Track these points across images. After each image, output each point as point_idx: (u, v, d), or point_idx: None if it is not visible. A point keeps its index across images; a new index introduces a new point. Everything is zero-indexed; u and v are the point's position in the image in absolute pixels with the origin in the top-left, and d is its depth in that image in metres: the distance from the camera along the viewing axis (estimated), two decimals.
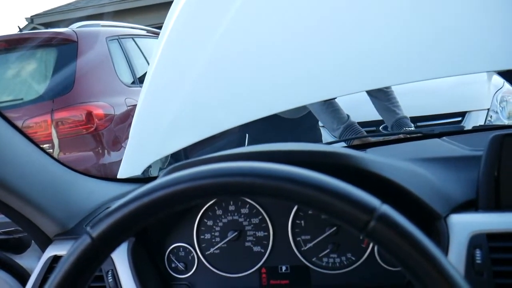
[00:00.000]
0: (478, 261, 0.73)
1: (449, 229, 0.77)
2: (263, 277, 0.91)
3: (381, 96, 1.99)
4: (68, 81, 3.14)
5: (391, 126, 1.96)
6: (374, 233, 0.47)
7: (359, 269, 0.87)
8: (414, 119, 2.02)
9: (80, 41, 3.30)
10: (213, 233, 0.93)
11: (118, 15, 9.02)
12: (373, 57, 1.28)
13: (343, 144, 1.73)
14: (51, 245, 0.94)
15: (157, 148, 1.40)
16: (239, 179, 0.49)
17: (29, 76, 3.31)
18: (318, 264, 0.88)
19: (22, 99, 3.21)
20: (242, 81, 1.36)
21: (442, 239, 0.76)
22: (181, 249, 0.94)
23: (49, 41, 3.31)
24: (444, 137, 1.11)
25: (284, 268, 0.90)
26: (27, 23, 10.49)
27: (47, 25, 9.89)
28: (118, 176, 1.36)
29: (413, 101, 2.50)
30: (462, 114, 2.70)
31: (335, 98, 1.89)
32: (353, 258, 0.87)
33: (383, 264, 0.86)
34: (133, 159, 1.42)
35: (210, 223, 0.93)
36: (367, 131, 2.26)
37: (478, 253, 0.73)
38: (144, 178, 1.28)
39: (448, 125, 2.66)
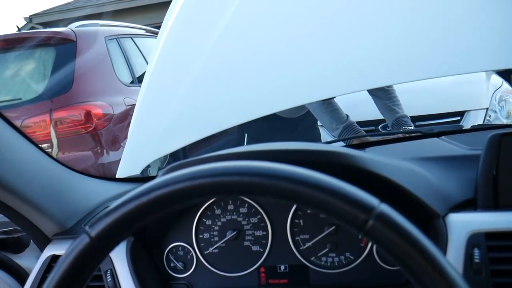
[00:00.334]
0: (477, 260, 0.73)
1: (448, 228, 0.77)
2: (261, 277, 0.91)
3: (382, 95, 1.99)
4: (66, 81, 3.14)
5: (391, 124, 1.96)
6: (372, 232, 0.47)
7: (357, 268, 0.87)
8: (413, 119, 2.02)
9: (78, 40, 3.30)
10: (212, 233, 0.93)
11: (117, 14, 9.01)
12: (373, 56, 1.28)
13: (342, 143, 1.73)
14: (50, 245, 0.94)
15: (156, 148, 1.41)
16: (238, 178, 0.49)
17: (27, 75, 3.31)
18: (316, 263, 0.88)
19: (20, 98, 3.21)
20: (241, 80, 1.36)
21: (440, 238, 0.76)
22: (179, 248, 0.94)
23: (48, 40, 3.31)
24: (442, 137, 1.12)
25: (282, 267, 0.90)
26: (25, 22, 10.47)
27: (45, 24, 9.88)
28: (117, 176, 1.36)
29: (412, 101, 2.50)
30: (461, 114, 2.70)
31: (334, 97, 1.89)
32: (352, 257, 0.87)
33: (381, 263, 0.86)
34: (132, 159, 1.42)
35: (209, 222, 0.93)
36: (366, 131, 2.27)
37: (476, 252, 0.73)
38: (142, 178, 1.28)
39: (447, 124, 2.67)
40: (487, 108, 2.73)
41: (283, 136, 2.27)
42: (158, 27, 1.75)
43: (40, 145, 0.95)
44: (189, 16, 1.52)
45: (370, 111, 2.21)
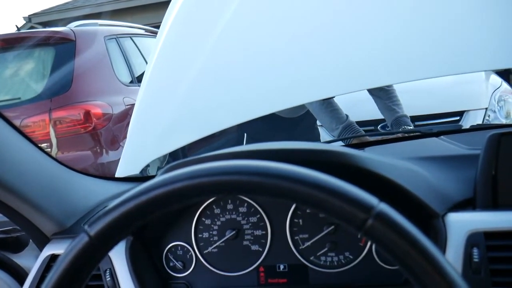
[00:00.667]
0: (476, 260, 0.73)
1: (447, 228, 0.77)
2: (261, 276, 0.91)
3: (382, 95, 1.99)
4: (66, 80, 3.14)
5: (390, 124, 1.96)
6: (371, 231, 0.47)
7: (357, 267, 0.87)
8: (413, 119, 2.02)
9: (78, 40, 3.30)
10: (211, 232, 0.93)
11: (116, 14, 9.01)
12: (372, 56, 1.28)
13: (341, 143, 1.73)
14: (49, 244, 0.94)
15: (155, 147, 1.40)
16: (237, 177, 0.49)
17: (27, 75, 3.30)
18: (316, 263, 0.88)
19: (20, 98, 3.21)
20: (240, 80, 1.36)
21: (439, 238, 0.77)
22: (179, 248, 0.94)
23: (47, 40, 3.30)
24: (442, 136, 1.12)
25: (282, 266, 0.90)
26: (25, 22, 10.47)
27: (45, 24, 9.87)
28: (116, 175, 1.36)
29: (412, 101, 2.50)
30: (460, 114, 2.71)
31: (334, 97, 1.89)
32: (351, 257, 0.87)
33: (380, 263, 0.86)
34: (131, 158, 1.42)
35: (208, 222, 0.93)
36: (365, 130, 2.27)
37: (475, 251, 0.73)
38: (142, 177, 1.28)
39: (446, 124, 2.67)
40: (486, 108, 2.73)
41: (282, 135, 2.27)
42: (158, 27, 1.75)
43: (39, 145, 0.95)
44: (188, 16, 1.52)
45: (370, 111, 2.21)
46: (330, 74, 1.28)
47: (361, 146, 1.15)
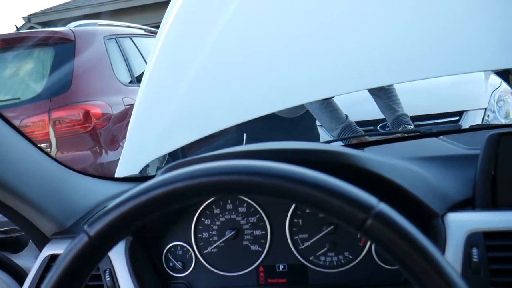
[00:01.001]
0: (475, 260, 0.73)
1: (446, 228, 0.77)
2: (260, 276, 0.91)
3: (382, 94, 1.99)
4: (65, 80, 3.14)
5: (390, 123, 1.96)
6: (371, 231, 0.47)
7: (356, 267, 0.87)
8: (412, 119, 2.02)
9: (77, 40, 3.30)
10: (210, 232, 0.93)
11: (115, 14, 9.00)
12: (372, 56, 1.28)
13: (341, 143, 1.73)
14: (48, 244, 0.94)
15: (155, 147, 1.40)
16: (236, 177, 0.49)
17: (26, 75, 3.30)
18: (315, 263, 0.89)
19: (19, 98, 3.21)
20: (240, 79, 1.36)
21: (439, 238, 0.77)
22: (178, 248, 0.94)
23: (47, 40, 3.30)
24: (441, 136, 1.12)
25: (281, 266, 0.90)
26: (24, 22, 10.46)
27: (44, 24, 9.86)
28: (116, 175, 1.36)
29: (411, 101, 2.49)
30: (460, 114, 2.71)
31: (333, 97, 1.89)
32: (351, 257, 0.87)
33: (380, 263, 0.86)
34: (130, 158, 1.42)
35: (207, 222, 0.93)
36: (365, 130, 2.27)
37: (475, 251, 0.73)
38: (141, 177, 1.28)
39: (445, 124, 2.67)
40: (485, 108, 2.73)
41: (282, 135, 2.27)
42: (157, 27, 1.75)
43: (39, 145, 0.95)
44: (188, 16, 1.52)
45: (369, 111, 2.22)
46: (330, 74, 1.29)
47: (360, 146, 1.15)
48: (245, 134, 2.46)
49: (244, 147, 0.83)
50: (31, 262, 0.97)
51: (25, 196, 0.87)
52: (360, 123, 2.01)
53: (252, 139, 2.40)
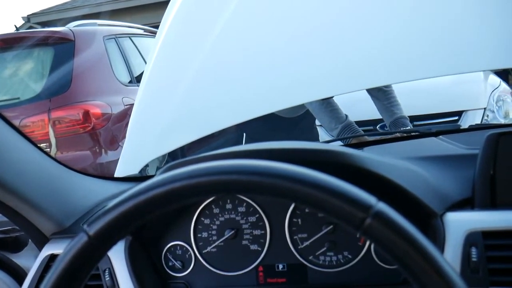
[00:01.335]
0: (474, 259, 0.73)
1: (445, 227, 0.77)
2: (260, 275, 0.91)
3: (380, 96, 1.99)
4: (65, 80, 3.14)
5: (388, 125, 1.97)
6: (370, 231, 0.47)
7: (355, 267, 0.87)
8: (411, 118, 2.02)
9: (77, 40, 3.30)
10: (210, 232, 0.93)
11: (115, 14, 9.00)
12: (371, 55, 1.28)
13: (340, 143, 1.73)
14: (48, 244, 0.94)
15: (155, 147, 1.40)
16: (236, 177, 0.49)
17: (26, 75, 3.30)
18: (315, 262, 0.89)
19: (19, 98, 3.20)
20: (240, 79, 1.36)
21: (438, 237, 0.77)
22: (178, 247, 0.94)
23: (46, 40, 3.30)
24: (440, 136, 1.12)
25: (281, 266, 0.90)
26: (23, 22, 10.46)
27: (44, 24, 9.86)
28: (115, 175, 1.36)
29: (410, 101, 2.50)
30: (459, 113, 2.71)
31: (333, 96, 1.89)
32: (350, 256, 0.87)
33: (379, 262, 0.86)
34: (130, 158, 1.42)
35: (207, 221, 0.93)
36: (364, 130, 2.27)
37: (473, 251, 0.74)
38: (141, 177, 1.28)
39: (444, 124, 2.67)
40: (485, 108, 2.73)
41: (281, 135, 2.27)
42: (157, 27, 1.75)
43: (39, 145, 0.95)
44: (187, 16, 1.52)
45: (369, 110, 2.21)
46: (329, 74, 1.29)
47: (360, 146, 1.15)
48: (244, 134, 2.46)
49: (243, 147, 0.84)
50: (30, 262, 0.97)
51: (25, 196, 0.87)
52: (360, 123, 2.02)
53: (251, 139, 2.40)
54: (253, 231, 0.91)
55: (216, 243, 0.92)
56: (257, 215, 0.91)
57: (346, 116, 1.87)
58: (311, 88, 1.30)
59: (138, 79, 3.67)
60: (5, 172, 0.84)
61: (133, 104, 1.59)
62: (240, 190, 0.50)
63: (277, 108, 1.69)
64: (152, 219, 0.90)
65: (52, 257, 0.92)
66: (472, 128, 1.52)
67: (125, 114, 3.30)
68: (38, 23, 10.19)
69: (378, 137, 1.66)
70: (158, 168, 2.80)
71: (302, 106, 2.13)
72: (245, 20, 1.42)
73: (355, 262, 0.87)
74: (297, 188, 0.48)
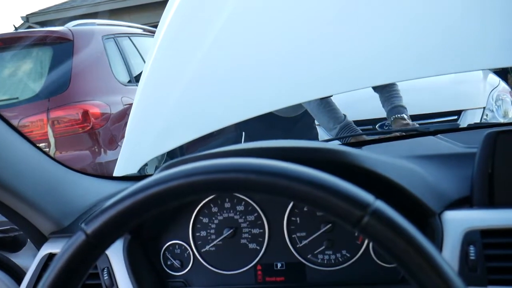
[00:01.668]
0: (472, 257, 0.73)
1: (443, 226, 0.77)
2: (258, 274, 0.91)
3: (383, 88, 1.99)
4: (64, 80, 3.13)
5: (387, 114, 1.96)
6: (367, 229, 0.47)
7: (354, 265, 0.87)
8: (411, 118, 2.02)
9: (76, 39, 3.29)
10: (208, 231, 0.93)
11: (114, 13, 8.99)
12: (371, 55, 1.28)
13: (339, 142, 1.73)
14: (46, 243, 0.94)
15: (153, 147, 1.40)
16: (233, 175, 0.49)
17: (24, 75, 3.30)
18: (313, 261, 0.89)
19: (17, 98, 3.20)
20: (238, 78, 1.36)
21: (436, 236, 0.77)
22: (176, 246, 0.94)
23: (45, 39, 3.30)
24: (439, 135, 1.12)
25: (279, 265, 0.90)
26: (22, 22, 10.45)
27: (42, 23, 9.85)
28: (114, 174, 1.36)
29: (410, 100, 2.49)
30: (458, 113, 2.71)
31: (331, 96, 1.89)
32: (348, 255, 0.87)
33: (378, 261, 0.86)
34: (129, 157, 1.42)
35: (205, 220, 0.93)
36: (363, 130, 2.27)
37: (472, 249, 0.74)
38: (140, 176, 1.28)
39: (444, 123, 2.67)
40: (484, 107, 2.74)
41: (280, 135, 2.27)
42: (156, 26, 1.75)
43: (37, 145, 0.95)
44: (186, 15, 1.52)
45: (368, 110, 2.22)
46: (328, 73, 1.29)
47: (358, 145, 1.15)
48: (243, 133, 2.46)
49: (241, 146, 0.83)
50: (29, 261, 0.97)
51: (23, 195, 0.87)
52: (358, 123, 2.02)
53: (250, 138, 2.40)
54: (252, 229, 0.91)
55: (215, 242, 0.92)
56: (256, 214, 0.91)
57: (345, 116, 1.87)
58: (309, 87, 1.30)
59: (137, 79, 3.66)
60: (4, 172, 0.84)
61: (132, 103, 1.59)
62: (238, 189, 0.50)
63: (276, 107, 1.68)
64: (150, 218, 0.90)
65: (51, 256, 0.92)
66: (471, 127, 1.52)
67: (124, 114, 3.30)
68: (37, 23, 10.18)
69: (376, 136, 1.66)
70: (157, 168, 2.80)
71: (300, 105, 2.13)
72: (244, 20, 1.42)
73: (354, 261, 0.87)
74: (295, 186, 0.48)
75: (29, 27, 9.80)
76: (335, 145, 0.94)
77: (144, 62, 3.71)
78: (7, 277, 1.00)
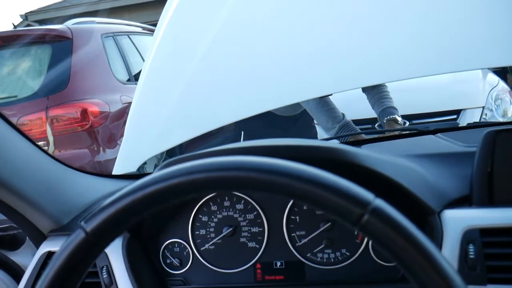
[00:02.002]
0: (472, 256, 0.73)
1: (443, 225, 0.77)
2: (258, 273, 0.91)
3: (371, 89, 1.98)
4: (63, 78, 3.13)
5: (378, 116, 1.96)
6: (367, 227, 0.47)
7: (353, 264, 0.87)
8: (410, 117, 2.03)
9: (75, 38, 3.29)
10: (208, 229, 0.93)
11: (113, 12, 8.98)
12: (369, 54, 1.28)
13: (338, 141, 1.73)
14: (45, 241, 0.94)
15: (153, 145, 1.40)
16: (234, 173, 0.49)
17: (23, 73, 3.29)
18: (312, 260, 0.89)
19: (16, 96, 3.20)
20: (237, 77, 1.36)
21: (435, 234, 0.77)
22: (176, 245, 0.94)
23: (44, 38, 3.29)
24: (438, 134, 1.12)
25: (279, 263, 0.90)
26: (21, 20, 10.43)
27: (41, 22, 9.83)
28: (113, 173, 1.36)
29: (409, 99, 2.50)
30: (457, 112, 2.71)
31: (330, 95, 1.89)
32: (348, 254, 0.87)
33: (377, 260, 0.86)
34: (128, 156, 1.42)
35: (205, 219, 0.93)
36: (362, 129, 2.27)
37: (471, 248, 0.74)
38: (139, 175, 1.28)
39: (443, 122, 2.68)
40: (483, 107, 2.74)
41: (280, 134, 2.27)
42: (155, 25, 1.75)
43: (36, 143, 0.95)
44: (185, 14, 1.52)
45: (366, 109, 2.21)
46: (326, 72, 1.29)
47: (358, 144, 1.15)
48: (242, 132, 2.46)
49: (240, 144, 0.84)
50: (28, 259, 0.97)
51: (23, 193, 0.87)
52: (357, 122, 2.01)
53: (250, 137, 2.39)
54: (251, 228, 0.91)
55: (214, 241, 0.92)
56: (255, 213, 0.91)
57: (343, 115, 1.87)
58: (307, 86, 1.30)
59: (136, 77, 3.66)
60: (3, 170, 0.83)
61: (131, 102, 1.59)
62: (239, 186, 0.50)
63: (275, 106, 1.69)
64: (150, 216, 0.90)
65: (50, 255, 0.92)
66: (470, 126, 1.52)
67: (123, 112, 3.30)
68: (36, 21, 10.17)
69: (376, 135, 1.66)
70: (156, 166, 2.79)
71: (299, 104, 2.13)
72: (243, 19, 1.42)
73: (353, 259, 0.87)
74: (296, 184, 0.48)
75: (28, 25, 9.79)
76: (335, 143, 0.94)
77: (143, 60, 3.71)
78: (6, 276, 1.00)
